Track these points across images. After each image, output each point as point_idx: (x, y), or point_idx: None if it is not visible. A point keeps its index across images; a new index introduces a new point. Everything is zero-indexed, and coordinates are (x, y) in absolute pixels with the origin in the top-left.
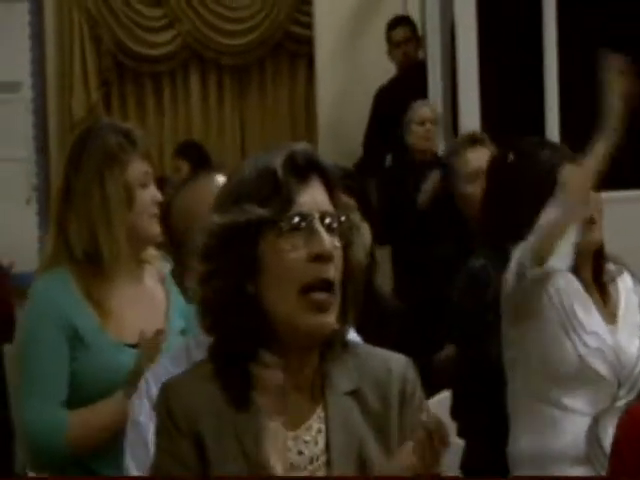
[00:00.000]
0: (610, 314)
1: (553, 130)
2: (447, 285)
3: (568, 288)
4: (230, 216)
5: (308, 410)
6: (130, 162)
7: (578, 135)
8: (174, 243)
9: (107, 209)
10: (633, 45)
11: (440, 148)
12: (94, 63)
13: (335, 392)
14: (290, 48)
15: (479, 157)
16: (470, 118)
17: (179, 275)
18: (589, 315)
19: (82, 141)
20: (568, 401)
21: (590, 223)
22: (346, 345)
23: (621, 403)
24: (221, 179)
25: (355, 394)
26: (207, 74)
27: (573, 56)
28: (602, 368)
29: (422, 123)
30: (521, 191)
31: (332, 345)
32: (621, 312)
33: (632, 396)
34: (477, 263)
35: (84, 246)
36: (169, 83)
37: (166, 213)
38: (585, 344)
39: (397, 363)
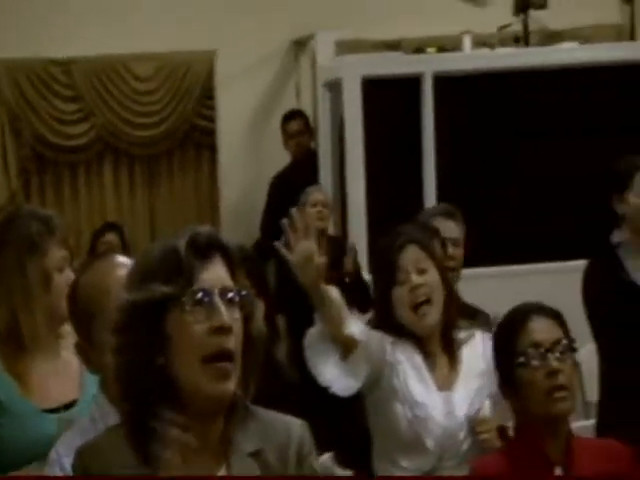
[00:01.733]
0: (452, 381)
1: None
2: None
3: (405, 359)
4: (138, 293)
5: (212, 470)
6: (49, 249)
7: None
8: (79, 319)
9: (27, 293)
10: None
11: (329, 225)
12: (14, 153)
13: (238, 453)
14: (196, 139)
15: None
16: (357, 201)
17: (83, 349)
18: (422, 385)
19: (4, 228)
20: (405, 463)
21: (427, 305)
22: (249, 411)
23: (445, 468)
24: (120, 259)
25: (257, 455)
26: (119, 163)
27: (449, 145)
28: (428, 437)
29: (315, 205)
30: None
31: (236, 410)
32: (460, 378)
33: (454, 462)
34: None
35: (5, 325)
36: (85, 172)
37: (72, 291)
38: (414, 413)
39: (295, 427)
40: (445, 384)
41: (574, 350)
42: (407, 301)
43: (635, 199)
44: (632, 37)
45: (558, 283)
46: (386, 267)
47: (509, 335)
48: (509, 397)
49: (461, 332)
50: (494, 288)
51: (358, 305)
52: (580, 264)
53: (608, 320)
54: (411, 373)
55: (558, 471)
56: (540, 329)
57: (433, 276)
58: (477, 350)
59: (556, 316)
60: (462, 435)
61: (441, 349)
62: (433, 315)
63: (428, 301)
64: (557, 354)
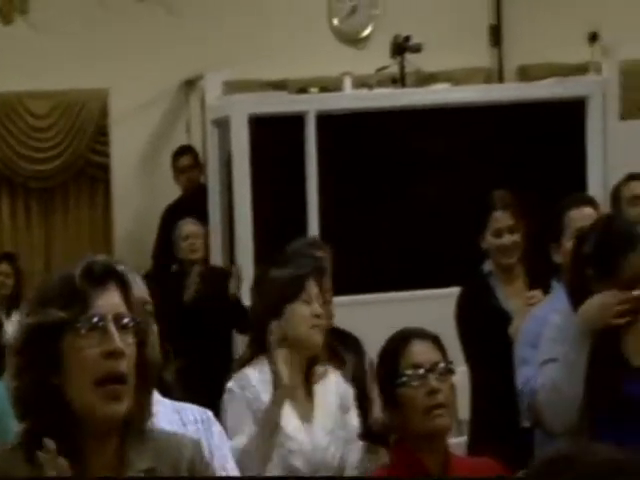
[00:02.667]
0: (310, 413)
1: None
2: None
3: (260, 383)
4: (36, 318)
5: None
6: None
7: (334, 243)
8: None
9: None
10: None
11: (218, 256)
12: None
13: (132, 470)
14: (90, 174)
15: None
16: (244, 232)
17: None
18: (287, 419)
19: None
20: None
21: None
22: (144, 430)
23: None
24: None
25: (150, 472)
26: (16, 196)
27: (331, 179)
28: (303, 467)
29: (186, 238)
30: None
31: (130, 430)
32: (316, 413)
33: None
34: None
35: None
36: None
37: None
38: (285, 447)
39: (188, 445)
40: (305, 416)
41: (452, 372)
42: (308, 319)
43: (490, 238)
44: (500, 79)
45: (432, 309)
46: (289, 284)
47: (391, 357)
48: (391, 415)
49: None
50: (374, 314)
51: (237, 327)
52: (454, 291)
53: (479, 343)
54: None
55: None
56: (420, 351)
57: (320, 308)
58: (330, 386)
59: (435, 340)
60: (330, 462)
61: (301, 382)
62: (320, 342)
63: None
64: (436, 375)
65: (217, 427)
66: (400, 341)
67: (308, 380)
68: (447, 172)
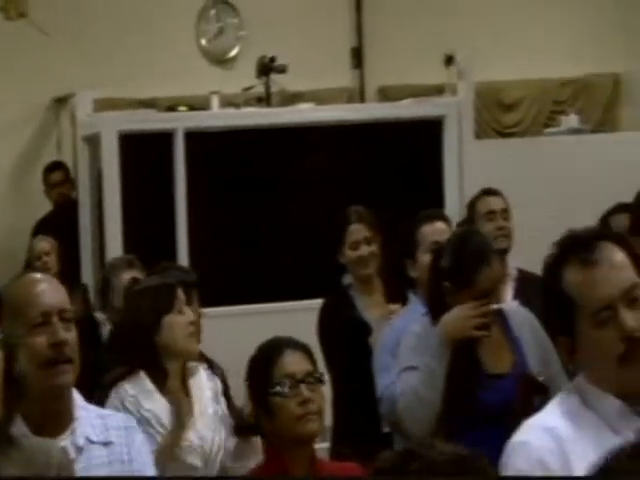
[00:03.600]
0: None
1: (183, 253)
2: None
3: (139, 393)
4: None
5: None
6: None
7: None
8: None
9: None
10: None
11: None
12: None
13: None
14: None
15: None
16: (114, 247)
17: None
18: (163, 411)
19: None
20: None
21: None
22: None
23: None
24: None
25: None
26: None
27: (199, 194)
28: (197, 461)
29: (39, 257)
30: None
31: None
32: (197, 406)
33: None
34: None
35: None
36: None
37: None
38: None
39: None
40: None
41: (322, 381)
42: (184, 329)
43: (348, 251)
44: (362, 99)
45: (296, 320)
46: (164, 296)
47: (264, 366)
48: (263, 422)
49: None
50: (240, 326)
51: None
52: (316, 303)
53: (340, 353)
54: (147, 403)
55: None
56: (293, 361)
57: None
58: (202, 380)
59: (306, 350)
60: (216, 454)
61: (177, 374)
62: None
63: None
64: (308, 384)
65: (140, 435)
66: (272, 350)
67: (183, 377)
68: (310, 188)
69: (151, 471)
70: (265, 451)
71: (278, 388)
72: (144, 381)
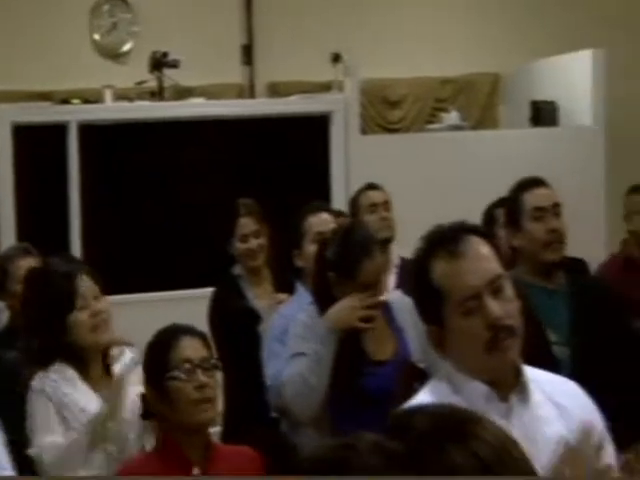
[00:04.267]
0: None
1: (75, 245)
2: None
3: (59, 378)
4: None
5: None
6: None
7: (95, 248)
8: None
9: None
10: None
11: None
12: None
13: None
14: None
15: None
16: (7, 239)
17: None
18: (83, 396)
19: None
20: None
21: (106, 326)
22: None
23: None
24: None
25: None
26: None
27: (92, 186)
28: (111, 446)
29: None
30: (47, 295)
31: None
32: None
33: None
34: (10, 355)
35: None
36: None
37: None
38: (80, 421)
39: None
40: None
41: (218, 367)
42: (88, 324)
43: (238, 243)
44: (252, 95)
45: (187, 309)
46: (64, 295)
47: (161, 352)
48: (159, 407)
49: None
50: (129, 314)
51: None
52: (207, 292)
53: (231, 341)
54: (67, 388)
55: (196, 471)
56: (190, 347)
57: (106, 301)
58: (126, 363)
59: (203, 337)
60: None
61: (101, 370)
62: (110, 334)
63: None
64: (205, 370)
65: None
66: (170, 336)
67: (105, 363)
68: (202, 181)
69: (5, 459)
70: (160, 436)
71: (175, 372)
72: (66, 369)
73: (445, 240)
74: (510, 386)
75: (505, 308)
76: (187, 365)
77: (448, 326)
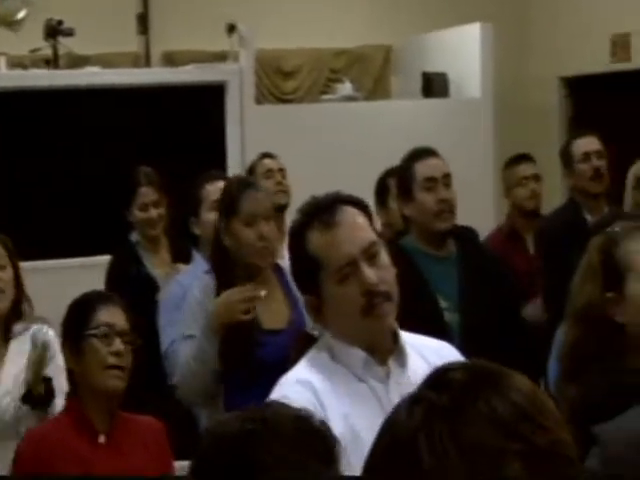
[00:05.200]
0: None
1: None
2: None
3: None
4: None
5: None
6: None
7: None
8: None
9: None
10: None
11: None
12: None
13: None
14: None
15: None
16: None
17: None
18: None
19: None
20: None
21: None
22: None
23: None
24: None
25: None
26: None
27: None
28: None
29: None
30: None
31: None
32: (8, 357)
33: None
34: None
35: None
36: None
37: None
38: None
39: None
40: None
41: (135, 344)
42: None
43: (137, 212)
44: (148, 64)
45: (85, 276)
46: None
47: (84, 311)
48: (73, 365)
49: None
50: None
51: None
52: (105, 259)
53: (129, 307)
54: None
55: (102, 439)
56: (114, 315)
57: (9, 272)
58: (25, 346)
59: (127, 312)
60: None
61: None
62: (5, 303)
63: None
64: (122, 340)
65: None
66: (97, 299)
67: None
68: (99, 149)
69: None
70: (68, 400)
71: (95, 331)
72: None
73: (320, 211)
74: (388, 351)
75: (380, 274)
76: (107, 329)
77: (325, 295)
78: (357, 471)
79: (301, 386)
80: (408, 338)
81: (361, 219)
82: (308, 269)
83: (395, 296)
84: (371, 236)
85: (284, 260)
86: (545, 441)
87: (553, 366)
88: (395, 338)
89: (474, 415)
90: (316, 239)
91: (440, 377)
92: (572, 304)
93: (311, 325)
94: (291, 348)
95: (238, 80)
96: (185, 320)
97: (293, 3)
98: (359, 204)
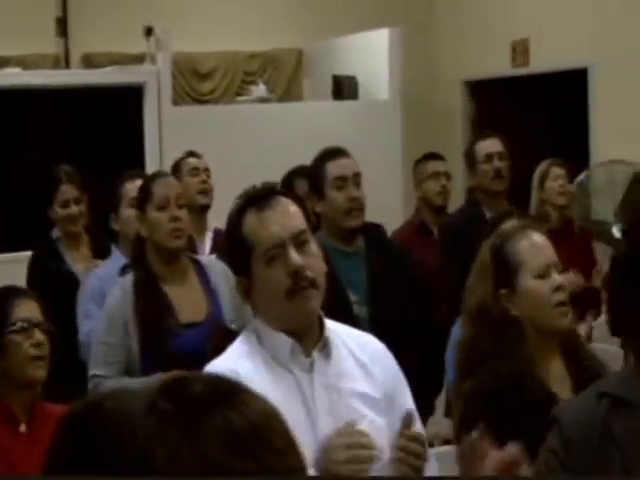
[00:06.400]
0: None
1: None
2: None
3: None
4: None
5: None
6: None
7: None
8: None
9: None
10: None
11: None
12: None
13: None
14: None
15: None
16: None
17: None
18: None
19: None
20: None
21: None
22: None
23: None
24: None
25: None
26: None
27: None
28: None
29: None
30: None
31: None
32: None
33: None
34: None
35: None
36: None
37: None
38: None
39: None
40: None
41: (52, 330)
42: None
43: (58, 209)
44: (67, 65)
45: (6, 272)
46: None
47: (1, 309)
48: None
49: None
50: None
51: None
52: (26, 255)
53: (49, 303)
54: None
55: (23, 428)
56: (31, 308)
57: None
58: None
59: (32, 296)
60: None
61: None
62: None
63: None
64: (41, 330)
65: None
66: (11, 294)
67: None
68: (20, 149)
69: None
70: None
71: (15, 327)
72: None
73: (256, 197)
74: (314, 341)
75: (308, 261)
76: (25, 323)
77: (254, 276)
78: None
79: (228, 373)
80: (336, 329)
81: (294, 208)
82: (241, 251)
83: (322, 285)
84: (302, 224)
85: (204, 256)
86: (282, 466)
87: (450, 361)
88: (321, 328)
89: (204, 425)
90: (249, 222)
91: (178, 387)
92: (466, 303)
93: (230, 318)
94: (208, 341)
95: (156, 82)
96: (103, 323)
97: (209, 7)
98: (295, 197)
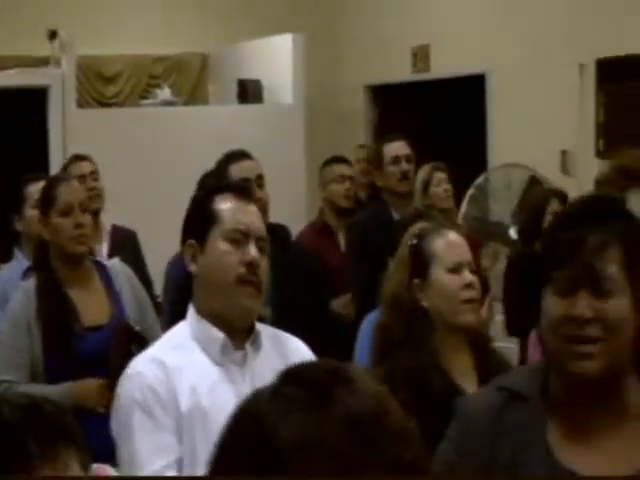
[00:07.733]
0: None
1: None
2: None
3: None
4: None
5: None
6: None
7: None
8: None
9: None
10: None
11: None
12: None
13: None
14: None
15: None
16: None
17: None
18: None
19: None
20: None
21: None
22: None
23: None
24: None
25: None
26: None
27: None
28: None
29: None
30: None
31: None
32: None
33: None
34: None
35: None
36: None
37: None
38: None
39: None
40: None
41: None
42: None
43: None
44: None
45: None
46: None
47: None
48: None
49: None
50: None
51: None
52: None
53: None
54: None
55: None
56: None
57: None
58: None
59: None
60: None
61: None
62: None
63: None
64: None
65: None
66: None
67: None
68: None
69: None
70: None
71: None
72: None
73: (236, 187)
74: (245, 336)
75: (262, 265)
76: None
77: (209, 246)
78: (201, 447)
79: (156, 364)
80: (262, 327)
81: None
82: (203, 219)
83: (263, 291)
84: (265, 234)
85: (106, 259)
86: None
87: (360, 355)
88: (252, 324)
89: (333, 413)
90: (224, 202)
91: (302, 373)
92: (383, 292)
93: (134, 319)
94: (111, 342)
95: (60, 84)
96: (6, 326)
97: (114, 11)
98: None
